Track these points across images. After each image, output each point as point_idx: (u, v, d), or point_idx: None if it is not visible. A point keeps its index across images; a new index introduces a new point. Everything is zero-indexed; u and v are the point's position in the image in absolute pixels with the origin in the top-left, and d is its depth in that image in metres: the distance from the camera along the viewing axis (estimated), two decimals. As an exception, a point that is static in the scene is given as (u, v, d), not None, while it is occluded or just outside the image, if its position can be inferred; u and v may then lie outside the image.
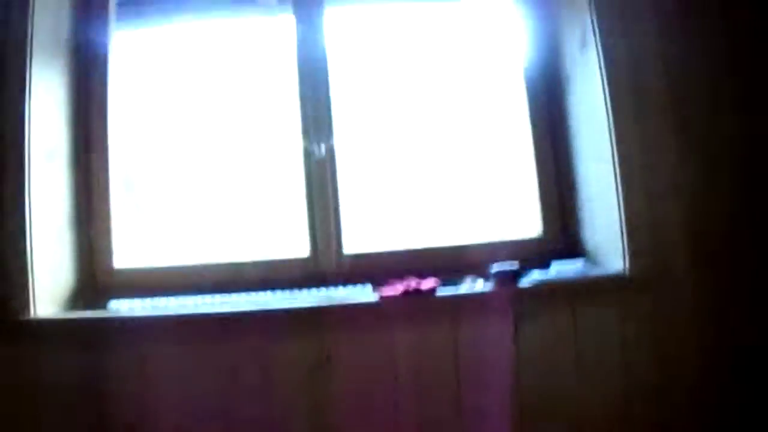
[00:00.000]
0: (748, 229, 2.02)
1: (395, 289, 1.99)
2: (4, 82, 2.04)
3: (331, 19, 2.40)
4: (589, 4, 2.09)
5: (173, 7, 2.94)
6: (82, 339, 1.98)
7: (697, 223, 2.01)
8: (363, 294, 2.05)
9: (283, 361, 1.95)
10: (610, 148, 2.03)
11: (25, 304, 1.96)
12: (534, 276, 2.04)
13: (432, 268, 2.14)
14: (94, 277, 2.24)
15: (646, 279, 1.98)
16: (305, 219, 2.29)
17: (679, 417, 1.97)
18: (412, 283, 2.00)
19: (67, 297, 2.15)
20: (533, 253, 2.23)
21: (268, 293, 2.07)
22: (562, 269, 2.08)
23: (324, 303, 2.02)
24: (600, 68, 2.05)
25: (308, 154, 2.29)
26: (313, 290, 2.07)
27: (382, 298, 1.97)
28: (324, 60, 2.35)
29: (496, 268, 2.03)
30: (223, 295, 2.07)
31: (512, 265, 2.04)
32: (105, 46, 2.37)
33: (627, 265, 1.99)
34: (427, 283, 1.99)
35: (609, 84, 2.03)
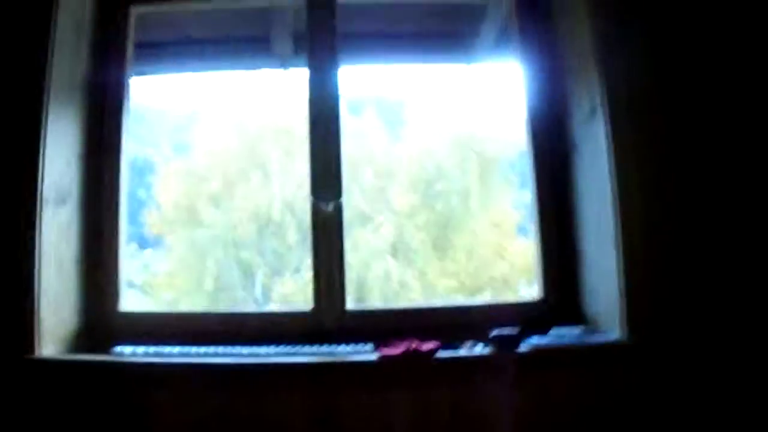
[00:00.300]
0: (749, 303, 2.03)
1: (396, 348, 2.00)
2: (21, 123, 2.06)
3: (345, 76, 2.43)
4: (598, 73, 2.12)
5: (191, 55, 3.01)
6: (85, 381, 1.99)
7: (698, 296, 2.02)
8: (363, 352, 2.06)
9: (281, 416, 1.95)
10: (613, 219, 2.05)
11: (30, 344, 1.97)
12: (533, 341, 2.05)
13: (433, 328, 2.15)
14: (100, 320, 2.25)
15: (644, 347, 1.99)
16: (310, 273, 2.30)
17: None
18: (413, 344, 2.01)
19: (72, 338, 2.17)
20: (533, 317, 2.23)
21: (270, 347, 2.08)
22: (561, 335, 2.09)
23: (324, 359, 2.03)
24: (607, 139, 2.08)
25: (316, 210, 2.31)
26: (315, 346, 2.08)
27: (382, 357, 1.98)
28: (336, 117, 2.38)
29: (496, 332, 2.04)
30: (225, 345, 2.08)
31: (512, 330, 2.05)
32: (122, 90, 2.41)
33: (626, 333, 2.00)
34: (428, 346, 2.00)
35: (615, 156, 2.06)
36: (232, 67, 2.75)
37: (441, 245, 7.96)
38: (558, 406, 1.99)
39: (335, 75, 2.41)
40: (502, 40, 2.88)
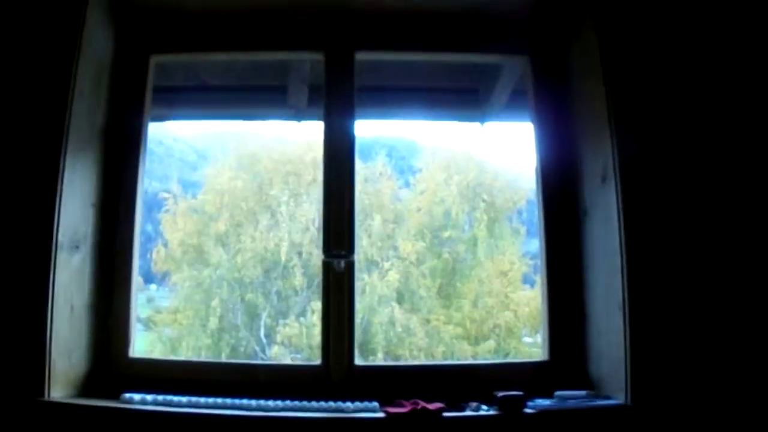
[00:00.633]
0: (754, 370, 2.03)
1: (402, 408, 2.01)
2: (39, 170, 2.08)
3: (360, 130, 2.45)
4: (611, 140, 2.14)
5: (207, 101, 3.05)
6: (93, 425, 1.99)
7: (705, 365, 2.03)
8: (371, 410, 2.06)
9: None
10: (621, 287, 2.05)
11: (41, 386, 1.99)
12: (538, 403, 2.05)
13: (438, 386, 2.16)
14: (110, 365, 2.26)
15: (648, 412, 1.99)
16: (320, 328, 2.32)
17: None
18: (419, 403, 2.02)
19: (82, 382, 2.18)
20: (538, 379, 2.24)
21: (278, 401, 2.08)
22: (566, 397, 2.10)
23: (332, 415, 2.03)
24: (618, 208, 2.09)
25: (328, 269, 2.32)
26: (322, 401, 2.08)
27: (389, 415, 1.99)
28: (351, 172, 2.41)
29: (501, 393, 2.05)
30: (234, 396, 2.08)
31: (517, 392, 2.06)
32: (139, 137, 2.43)
33: (630, 397, 2.00)
34: (434, 405, 2.01)
35: (625, 225, 2.07)
36: (248, 117, 2.77)
37: (447, 292, 7.98)
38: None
39: (352, 129, 2.44)
40: (515, 100, 2.91)
